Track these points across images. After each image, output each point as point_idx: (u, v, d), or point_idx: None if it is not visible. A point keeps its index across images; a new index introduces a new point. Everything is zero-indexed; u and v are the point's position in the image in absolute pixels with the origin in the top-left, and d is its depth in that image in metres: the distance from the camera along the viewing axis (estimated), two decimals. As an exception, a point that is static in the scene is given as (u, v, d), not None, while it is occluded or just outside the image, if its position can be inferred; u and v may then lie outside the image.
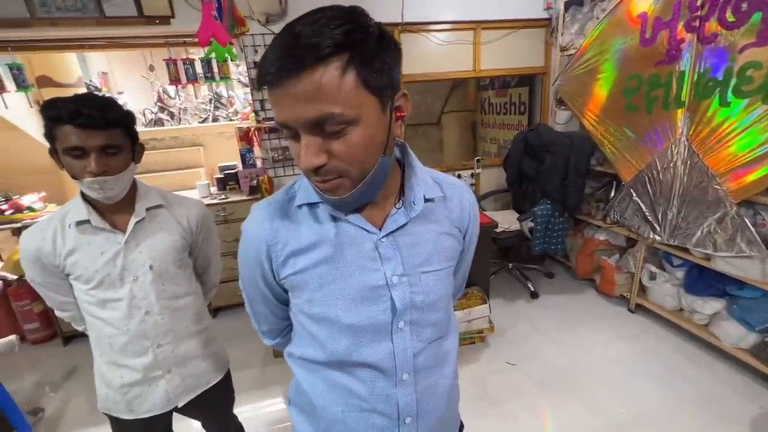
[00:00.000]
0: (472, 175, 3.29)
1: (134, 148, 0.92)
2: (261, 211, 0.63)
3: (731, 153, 1.76)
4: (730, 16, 1.67)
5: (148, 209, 0.96)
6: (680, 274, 2.17)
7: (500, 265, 2.94)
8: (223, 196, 2.63)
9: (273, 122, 2.72)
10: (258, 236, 0.61)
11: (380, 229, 0.60)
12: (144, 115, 3.84)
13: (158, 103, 3.91)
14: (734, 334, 1.88)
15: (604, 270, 2.58)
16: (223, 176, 2.81)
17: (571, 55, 2.61)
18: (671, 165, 2.01)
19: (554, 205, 2.54)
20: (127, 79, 4.37)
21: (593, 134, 2.48)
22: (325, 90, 0.44)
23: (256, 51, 2.61)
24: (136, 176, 0.96)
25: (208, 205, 2.43)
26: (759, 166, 1.67)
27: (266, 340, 0.77)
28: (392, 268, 0.59)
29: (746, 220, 1.74)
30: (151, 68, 4.10)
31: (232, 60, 2.27)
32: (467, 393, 1.57)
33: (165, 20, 2.40)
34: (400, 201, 0.62)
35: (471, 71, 3.09)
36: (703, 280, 2.03)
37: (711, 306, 2.00)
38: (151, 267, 0.94)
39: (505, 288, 2.84)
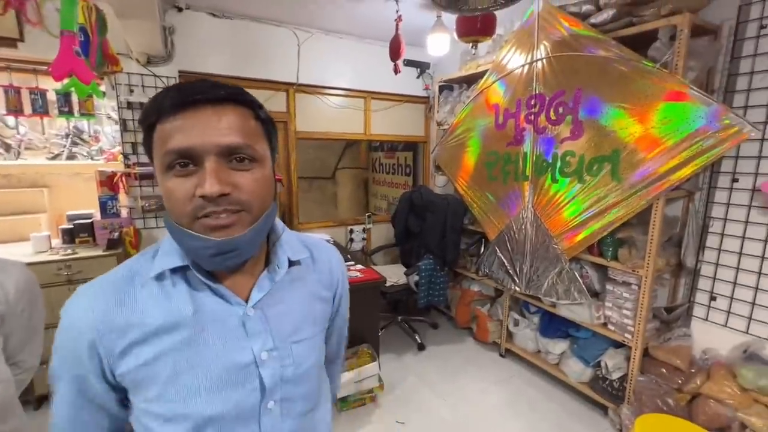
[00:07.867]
0: (364, 230, 3.41)
1: None
2: (87, 292, 0.53)
3: (563, 218, 2.20)
4: (552, 115, 2.18)
5: None
6: (536, 319, 2.52)
7: (390, 318, 3.00)
8: (69, 251, 2.16)
9: (146, 167, 2.45)
10: (82, 324, 0.51)
11: (246, 300, 0.57)
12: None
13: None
14: (576, 370, 2.22)
15: (479, 319, 2.85)
16: (71, 227, 2.33)
17: (445, 129, 3.04)
18: (523, 227, 2.41)
19: (436, 260, 2.76)
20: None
21: (464, 197, 2.86)
22: (244, 124, 0.51)
23: (131, 91, 2.38)
24: None
25: (45, 263, 1.99)
26: (583, 229, 2.12)
27: None
28: (261, 343, 0.56)
29: (576, 273, 2.15)
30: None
31: (97, 97, 2.03)
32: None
33: (10, 42, 2.05)
34: (266, 267, 0.60)
35: (362, 134, 3.33)
36: (553, 324, 2.40)
37: (559, 347, 2.35)
38: None
39: (395, 341, 2.89)
